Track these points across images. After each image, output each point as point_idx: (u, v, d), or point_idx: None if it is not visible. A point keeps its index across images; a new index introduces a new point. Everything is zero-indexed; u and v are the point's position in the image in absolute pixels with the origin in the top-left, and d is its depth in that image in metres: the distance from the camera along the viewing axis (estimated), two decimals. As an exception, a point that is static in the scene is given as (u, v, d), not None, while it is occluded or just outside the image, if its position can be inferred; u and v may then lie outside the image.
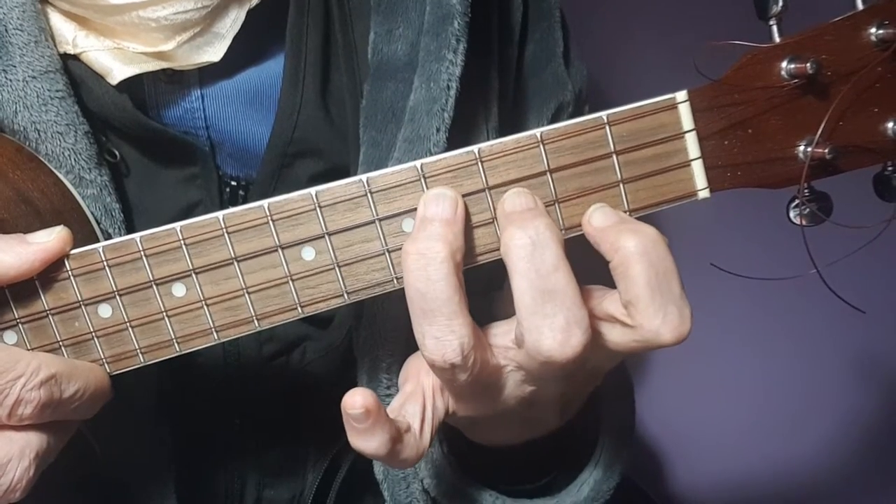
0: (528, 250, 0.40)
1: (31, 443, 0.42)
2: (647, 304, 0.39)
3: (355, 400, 0.40)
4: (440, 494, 0.56)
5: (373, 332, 0.55)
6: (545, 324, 0.39)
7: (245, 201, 0.55)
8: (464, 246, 0.41)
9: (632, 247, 0.40)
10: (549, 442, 0.53)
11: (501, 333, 0.43)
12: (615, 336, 0.42)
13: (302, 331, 0.60)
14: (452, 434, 0.54)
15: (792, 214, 0.45)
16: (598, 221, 0.42)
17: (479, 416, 0.46)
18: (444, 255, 0.40)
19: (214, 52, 0.53)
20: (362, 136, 0.55)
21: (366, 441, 0.41)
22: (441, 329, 0.40)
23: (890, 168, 0.45)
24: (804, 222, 0.44)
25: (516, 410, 0.46)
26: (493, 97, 0.59)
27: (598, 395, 0.55)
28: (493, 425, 0.49)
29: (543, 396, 0.46)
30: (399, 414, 0.44)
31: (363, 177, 0.42)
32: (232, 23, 0.53)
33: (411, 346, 0.48)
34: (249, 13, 0.54)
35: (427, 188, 0.43)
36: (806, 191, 0.44)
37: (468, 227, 0.43)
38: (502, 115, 0.60)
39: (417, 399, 0.45)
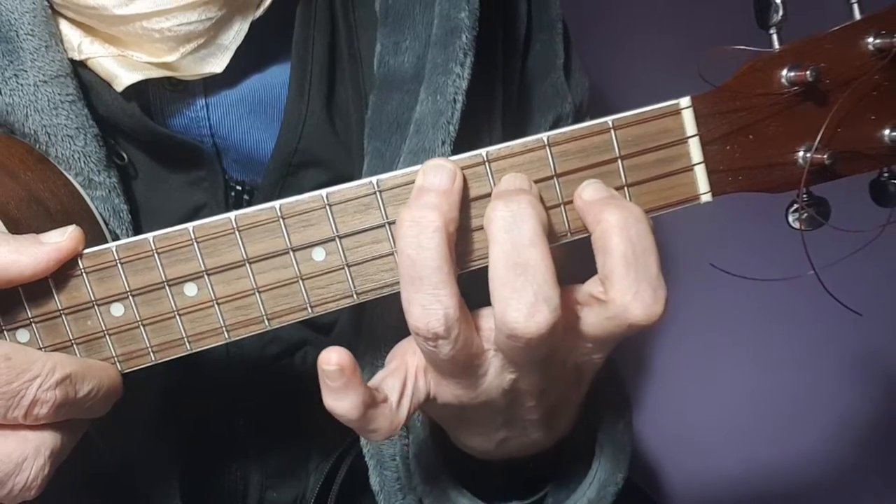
0: (508, 222, 0.40)
1: (45, 442, 0.43)
2: (621, 278, 0.40)
3: (330, 357, 0.40)
4: None
5: (373, 343, 0.56)
6: (514, 296, 0.39)
7: (250, 205, 0.55)
8: (458, 218, 0.41)
9: (612, 220, 0.40)
10: (539, 462, 0.53)
11: (487, 316, 0.43)
12: (591, 318, 0.42)
13: (304, 334, 0.61)
14: (442, 436, 0.54)
15: (791, 219, 0.45)
16: (588, 195, 0.43)
17: (460, 404, 0.46)
18: (438, 225, 0.40)
19: (218, 63, 0.53)
20: (366, 147, 0.55)
21: (337, 400, 0.41)
22: (427, 297, 0.40)
23: (886, 174, 0.45)
24: (803, 226, 0.45)
25: (498, 403, 0.46)
26: (496, 110, 0.59)
27: (593, 408, 0.55)
28: (478, 422, 0.48)
29: (523, 388, 0.45)
30: (379, 386, 0.44)
31: (373, 179, 0.43)
32: (235, 34, 0.53)
33: None
34: (253, 24, 0.54)
35: None
36: (805, 195, 0.45)
37: (473, 230, 0.43)
38: (503, 127, 0.60)
39: (399, 375, 0.45)
